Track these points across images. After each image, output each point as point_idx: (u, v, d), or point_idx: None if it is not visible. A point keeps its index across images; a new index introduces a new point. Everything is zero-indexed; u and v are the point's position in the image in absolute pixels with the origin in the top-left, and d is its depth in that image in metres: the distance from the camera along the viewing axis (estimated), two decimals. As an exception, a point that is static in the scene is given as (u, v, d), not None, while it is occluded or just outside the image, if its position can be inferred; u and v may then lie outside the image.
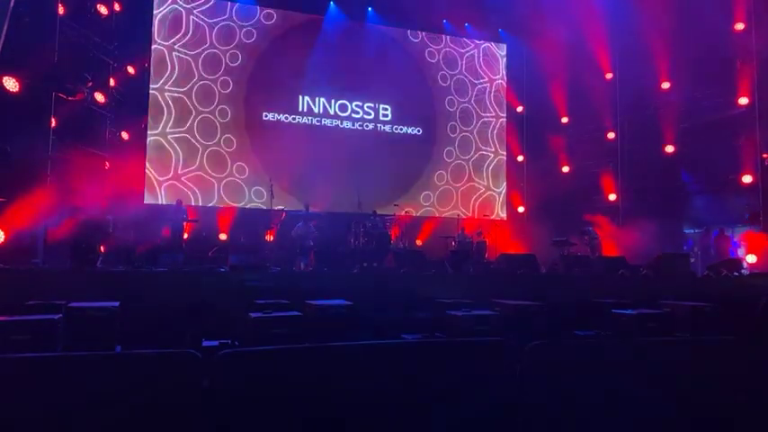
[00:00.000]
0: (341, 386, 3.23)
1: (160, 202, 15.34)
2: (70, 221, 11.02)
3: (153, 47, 15.70)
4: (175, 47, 15.97)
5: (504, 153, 19.65)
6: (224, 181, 16.15)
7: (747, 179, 13.61)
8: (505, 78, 19.82)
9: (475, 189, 19.09)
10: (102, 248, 9.69)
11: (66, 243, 9.24)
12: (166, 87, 15.81)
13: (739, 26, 13.85)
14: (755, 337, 3.69)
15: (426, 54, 18.87)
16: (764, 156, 13.37)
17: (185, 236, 13.20)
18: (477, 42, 19.56)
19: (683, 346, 4.02)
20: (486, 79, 19.62)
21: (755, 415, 3.64)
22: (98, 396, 2.89)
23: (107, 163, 13.92)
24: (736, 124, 14.17)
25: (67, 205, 11.26)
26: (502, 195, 19.45)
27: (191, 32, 16.18)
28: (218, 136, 16.19)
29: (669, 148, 15.41)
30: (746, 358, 3.68)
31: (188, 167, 15.83)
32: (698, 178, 15.65)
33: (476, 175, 19.14)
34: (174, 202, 14.18)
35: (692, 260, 13.67)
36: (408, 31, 18.63)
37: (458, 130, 19.04)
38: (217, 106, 16.25)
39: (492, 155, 19.48)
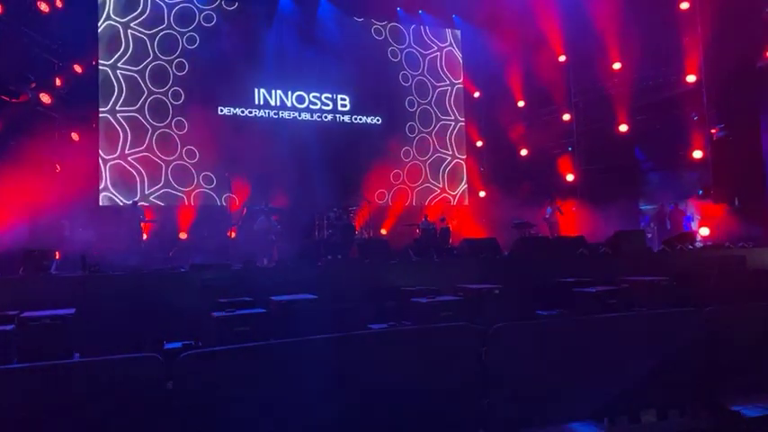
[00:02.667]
0: (308, 381, 3.21)
1: (105, 182, 14.94)
2: (21, 227, 10.63)
3: (107, 23, 15.23)
4: (131, 25, 15.51)
5: (464, 157, 19.73)
6: (172, 164, 15.74)
7: (698, 154, 14.03)
8: (464, 74, 19.85)
9: (431, 190, 19.15)
10: (57, 254, 9.39)
11: (18, 250, 8.90)
12: (119, 65, 15.35)
13: (684, 5, 14.19)
14: (709, 307, 3.83)
15: (389, 53, 18.78)
16: (713, 131, 13.79)
17: (144, 236, 12.92)
18: (440, 45, 19.58)
19: (640, 319, 4.13)
20: (447, 82, 19.67)
21: (711, 380, 3.77)
22: (58, 408, 2.80)
23: (58, 166, 13.44)
24: (685, 101, 14.57)
25: (18, 211, 10.85)
26: (457, 198, 19.55)
27: (148, 11, 15.73)
28: (170, 118, 15.78)
29: (623, 128, 15.75)
30: (701, 328, 3.81)
31: (136, 148, 15.39)
32: (651, 155, 16.08)
33: (432, 176, 19.20)
34: (130, 203, 13.89)
35: (649, 236, 14.06)
36: (372, 29, 18.51)
37: (416, 131, 19.04)
38: (170, 88, 15.84)
39: (449, 158, 19.56)
